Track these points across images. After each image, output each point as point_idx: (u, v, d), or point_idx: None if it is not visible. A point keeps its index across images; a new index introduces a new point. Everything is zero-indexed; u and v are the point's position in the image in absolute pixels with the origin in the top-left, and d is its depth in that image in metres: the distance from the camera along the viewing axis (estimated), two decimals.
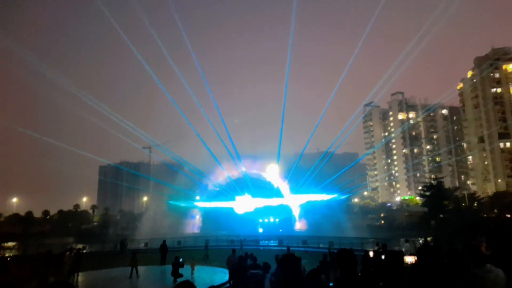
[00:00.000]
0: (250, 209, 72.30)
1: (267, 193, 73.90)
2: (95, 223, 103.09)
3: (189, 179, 79.98)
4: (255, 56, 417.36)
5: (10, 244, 53.86)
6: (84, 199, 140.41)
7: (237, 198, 73.49)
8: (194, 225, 77.87)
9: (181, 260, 19.11)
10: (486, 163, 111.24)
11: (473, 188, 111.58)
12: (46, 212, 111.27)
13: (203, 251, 33.05)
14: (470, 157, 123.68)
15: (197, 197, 79.59)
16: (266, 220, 72.48)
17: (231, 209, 72.65)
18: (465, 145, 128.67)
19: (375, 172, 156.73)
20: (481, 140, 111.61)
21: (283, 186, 76.34)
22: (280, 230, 63.25)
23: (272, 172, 79.37)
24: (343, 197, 76.04)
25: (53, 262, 18.68)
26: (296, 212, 74.34)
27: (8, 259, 37.82)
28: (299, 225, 71.89)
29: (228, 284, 17.94)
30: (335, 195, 72.69)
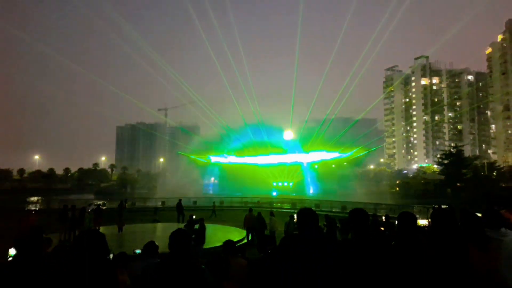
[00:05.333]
0: (265, 161, 73.22)
1: (281, 144, 74.40)
2: (114, 182, 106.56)
3: (205, 137, 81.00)
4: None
5: (34, 198, 56.26)
6: (103, 158, 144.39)
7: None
8: (209, 186, 79.64)
9: (194, 217, 19.66)
10: (509, 132, 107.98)
11: (494, 157, 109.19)
12: (67, 170, 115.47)
13: (217, 211, 34.09)
14: (493, 126, 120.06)
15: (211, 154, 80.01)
16: (280, 184, 73.62)
17: (246, 171, 73.46)
18: (489, 113, 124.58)
19: (393, 139, 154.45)
20: (506, 108, 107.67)
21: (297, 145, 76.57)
22: (294, 194, 64.10)
23: (288, 136, 79.76)
24: (355, 154, 75.33)
25: (73, 217, 19.25)
26: (309, 176, 74.86)
27: (33, 212, 39.77)
28: (312, 190, 72.68)
29: (246, 241, 18.41)
30: (349, 152, 72.56)
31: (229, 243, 5.18)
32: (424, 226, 12.34)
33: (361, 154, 78.32)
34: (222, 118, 75.00)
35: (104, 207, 34.03)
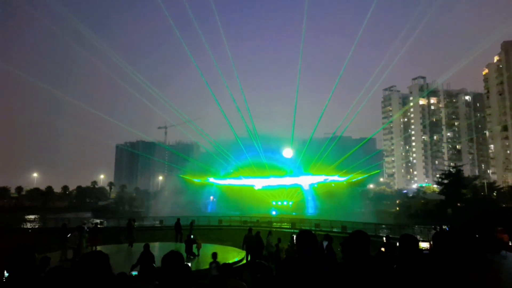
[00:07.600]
0: (264, 184, 72.88)
1: (281, 165, 74.26)
2: (112, 200, 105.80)
3: (204, 157, 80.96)
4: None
5: (31, 217, 55.71)
6: (101, 176, 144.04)
7: (250, 179, 73.24)
8: (208, 205, 79.02)
9: (192, 236, 19.42)
10: (508, 152, 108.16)
11: (493, 177, 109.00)
12: (65, 188, 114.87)
13: (216, 230, 33.62)
14: (491, 146, 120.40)
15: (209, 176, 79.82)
16: (279, 204, 73.21)
17: (245, 190, 73.17)
18: (487, 133, 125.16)
19: (392, 159, 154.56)
20: (505, 128, 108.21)
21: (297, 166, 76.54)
22: (293, 214, 63.57)
23: (287, 154, 79.89)
24: (355, 179, 75.08)
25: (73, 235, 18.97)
26: (309, 196, 74.51)
27: (30, 230, 39.25)
28: (312, 209, 72.12)
29: (245, 261, 17.97)
30: (348, 175, 72.33)
31: (225, 265, 5.15)
32: (425, 249, 12.18)
33: (360, 177, 78.44)
34: (220, 137, 75.32)
35: (101, 226, 33.60)
